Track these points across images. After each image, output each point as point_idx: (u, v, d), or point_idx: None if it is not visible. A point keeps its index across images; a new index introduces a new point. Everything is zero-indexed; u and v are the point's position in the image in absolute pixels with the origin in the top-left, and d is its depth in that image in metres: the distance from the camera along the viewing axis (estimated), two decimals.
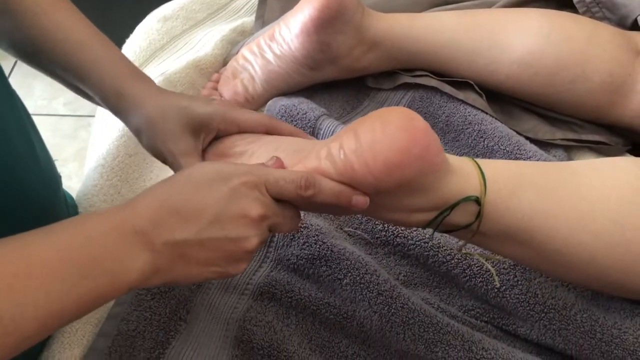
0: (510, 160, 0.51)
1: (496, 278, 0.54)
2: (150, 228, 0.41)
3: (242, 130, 0.57)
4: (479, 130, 0.70)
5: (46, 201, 0.56)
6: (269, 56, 0.75)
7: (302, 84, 0.76)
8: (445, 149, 0.72)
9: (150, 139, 0.55)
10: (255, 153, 0.54)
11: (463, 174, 0.48)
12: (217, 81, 0.79)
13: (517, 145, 0.68)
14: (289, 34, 0.74)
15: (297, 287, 0.58)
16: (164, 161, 0.56)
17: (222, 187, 0.43)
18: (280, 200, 0.46)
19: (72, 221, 0.41)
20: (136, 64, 0.80)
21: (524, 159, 0.66)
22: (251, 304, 0.57)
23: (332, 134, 0.69)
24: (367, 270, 0.56)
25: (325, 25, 0.71)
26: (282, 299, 0.57)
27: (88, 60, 0.55)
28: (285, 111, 0.72)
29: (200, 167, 0.45)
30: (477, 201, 0.47)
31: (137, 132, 0.56)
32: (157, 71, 0.78)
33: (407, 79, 0.76)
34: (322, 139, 0.70)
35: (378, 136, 0.45)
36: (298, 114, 0.71)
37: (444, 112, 0.73)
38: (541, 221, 0.47)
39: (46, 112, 1.63)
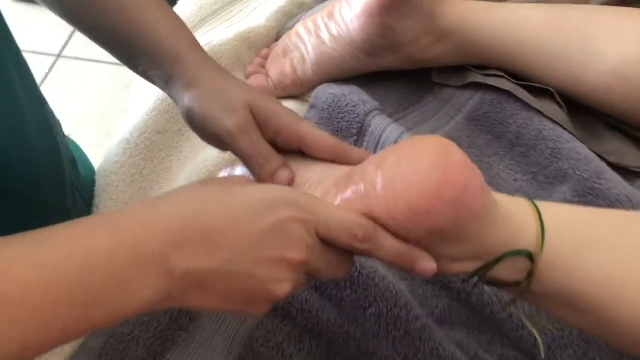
0: (579, 207, 0.42)
1: (542, 348, 0.45)
2: (170, 252, 0.33)
3: (304, 147, 0.47)
4: (554, 149, 0.60)
5: (44, 156, 0.50)
6: (325, 36, 0.67)
7: (356, 70, 0.68)
8: (511, 164, 0.63)
9: (204, 111, 0.46)
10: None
11: (516, 220, 0.39)
12: (266, 58, 0.72)
13: (596, 172, 0.57)
14: (349, 13, 0.65)
15: (316, 307, 0.51)
16: (217, 143, 0.47)
17: (265, 217, 0.36)
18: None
19: (69, 229, 0.33)
20: None
21: (602, 189, 0.56)
22: (262, 320, 0.51)
23: (381, 134, 0.61)
24: (397, 302, 0.49)
25: (392, 7, 0.63)
26: (297, 319, 0.51)
27: (146, 20, 0.48)
28: (333, 100, 0.64)
29: (242, 185, 0.38)
30: (530, 257, 0.38)
31: (189, 103, 0.47)
32: (203, 40, 0.71)
33: (478, 77, 0.66)
34: (370, 138, 0.62)
35: (403, 173, 0.37)
36: (347, 105, 0.63)
37: (515, 122, 0.63)
38: (609, 288, 0.38)
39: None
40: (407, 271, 0.40)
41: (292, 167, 0.46)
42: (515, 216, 0.39)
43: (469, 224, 0.37)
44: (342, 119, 0.63)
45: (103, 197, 0.57)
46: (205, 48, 0.68)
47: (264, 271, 0.36)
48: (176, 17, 0.51)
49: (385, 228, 0.38)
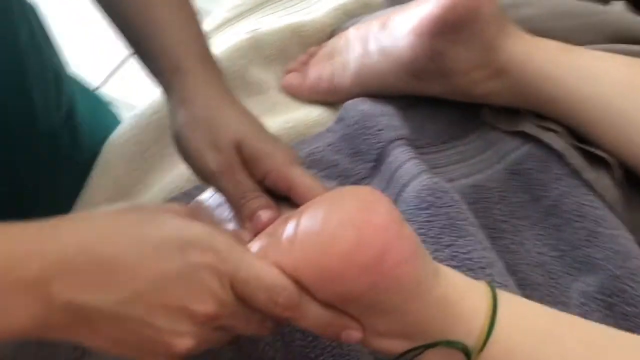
0: (551, 310, 0.35)
1: None
2: (54, 279, 0.30)
3: (292, 195, 0.42)
4: (591, 231, 0.51)
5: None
6: (372, 46, 0.61)
7: (398, 90, 0.61)
8: (540, 235, 0.54)
9: (190, 141, 0.42)
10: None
11: (462, 304, 0.33)
12: (313, 56, 0.67)
13: (632, 272, 0.48)
14: (402, 27, 0.59)
15: (265, 341, 0.47)
16: (199, 176, 0.43)
17: (174, 258, 0.32)
18: None
19: None
20: (238, 10, 0.71)
21: (634, 295, 0.47)
22: None
23: (397, 169, 0.54)
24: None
25: (446, 30, 0.55)
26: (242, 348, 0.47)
27: (157, 20, 0.45)
28: (361, 118, 0.58)
29: (165, 218, 0.34)
30: (466, 352, 0.32)
31: (178, 126, 0.43)
32: (250, 26, 0.68)
33: (531, 129, 0.57)
34: (385, 170, 0.55)
35: (316, 228, 0.32)
36: (373, 127, 0.57)
37: (557, 188, 0.54)
38: None
39: None
40: (333, 340, 0.35)
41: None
42: (463, 299, 0.33)
43: (393, 296, 0.32)
44: (364, 140, 0.57)
45: (97, 169, 0.56)
46: (249, 35, 0.66)
47: (161, 320, 0.32)
48: (192, 22, 0.46)
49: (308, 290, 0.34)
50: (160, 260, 0.32)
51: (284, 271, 0.33)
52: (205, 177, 0.42)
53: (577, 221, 0.52)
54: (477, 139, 0.61)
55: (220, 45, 0.66)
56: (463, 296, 0.33)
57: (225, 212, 0.46)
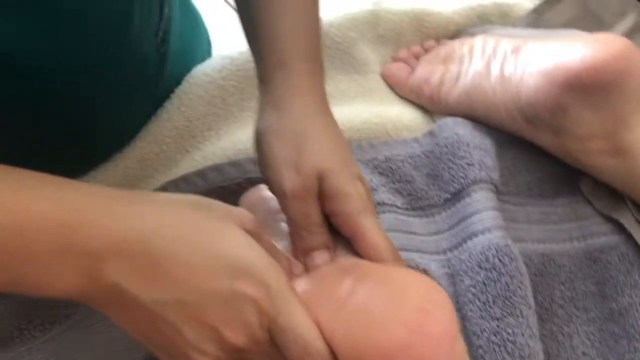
0: None
1: None
2: (109, 258, 0.30)
3: (355, 244, 0.39)
4: None
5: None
6: (494, 69, 0.55)
7: (503, 125, 0.56)
8: (593, 336, 0.50)
9: (271, 152, 0.39)
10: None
11: None
12: (427, 51, 0.61)
13: None
14: (534, 63, 0.52)
15: None
16: (268, 185, 0.41)
17: (224, 280, 0.31)
18: None
19: (31, 189, 0.30)
20: None
21: None
22: None
23: (470, 215, 0.50)
24: None
25: (581, 88, 0.49)
26: None
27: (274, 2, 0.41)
28: (453, 143, 0.53)
29: (224, 227, 0.32)
30: None
31: (264, 129, 0.40)
32: None
33: (630, 223, 0.52)
34: (458, 210, 0.51)
35: (370, 310, 0.31)
36: (462, 158, 0.53)
37: (631, 297, 0.50)
38: None
39: None
40: None
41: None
42: None
43: None
44: (448, 168, 0.53)
45: (173, 102, 0.54)
46: (370, 7, 0.60)
47: (191, 334, 0.31)
48: (311, 6, 0.42)
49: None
50: (211, 278, 0.31)
51: (322, 333, 0.31)
52: (274, 190, 0.40)
53: (638, 341, 0.48)
54: (566, 206, 0.56)
55: (335, 5, 0.60)
56: None
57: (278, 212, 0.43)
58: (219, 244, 0.32)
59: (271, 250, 0.35)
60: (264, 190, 0.44)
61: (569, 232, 0.55)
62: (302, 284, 0.35)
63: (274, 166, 0.38)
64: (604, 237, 0.53)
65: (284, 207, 0.39)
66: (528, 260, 0.51)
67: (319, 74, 0.42)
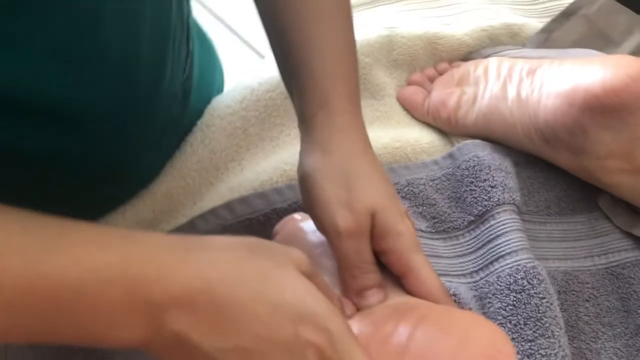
0: None
1: None
2: (171, 308, 0.30)
3: (405, 281, 0.40)
4: None
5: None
6: (511, 91, 0.56)
7: (521, 146, 0.57)
8: (620, 351, 0.51)
9: (321, 190, 0.39)
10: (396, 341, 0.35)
11: None
12: (441, 73, 0.62)
13: None
14: (551, 84, 0.54)
15: None
16: (317, 225, 0.40)
17: (287, 327, 0.31)
18: None
19: (84, 242, 0.30)
20: None
21: None
22: None
23: (497, 236, 0.51)
24: None
25: (601, 111, 0.50)
26: None
27: (313, 41, 0.41)
28: (473, 166, 0.54)
29: (284, 272, 0.33)
30: None
31: (310, 169, 0.40)
32: (385, 20, 0.62)
33: None
34: (483, 233, 0.52)
35: (435, 358, 0.31)
36: (485, 180, 0.53)
37: None
38: None
39: None
40: None
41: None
42: None
43: None
44: (470, 191, 0.54)
45: (196, 136, 0.54)
46: (385, 32, 0.61)
47: None
48: (350, 49, 0.42)
49: None
50: (273, 325, 0.31)
51: None
52: (325, 229, 0.40)
53: None
54: (585, 223, 0.57)
55: None
56: None
57: (319, 245, 0.43)
58: (281, 290, 0.32)
59: (326, 291, 0.35)
60: (300, 222, 0.45)
61: (589, 249, 0.56)
62: (358, 326, 0.35)
63: (325, 205, 0.39)
64: (624, 253, 0.54)
65: (336, 246, 0.39)
66: (551, 278, 0.52)
67: (360, 114, 0.42)
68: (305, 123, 0.41)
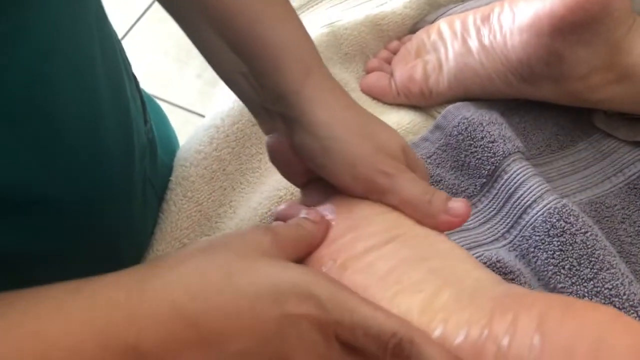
0: None
1: None
2: (147, 339, 0.28)
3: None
4: None
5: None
6: (473, 44, 0.54)
7: (502, 94, 0.55)
8: None
9: (349, 148, 0.37)
10: (377, 265, 0.34)
11: None
12: (395, 52, 0.60)
13: None
14: (511, 23, 0.52)
15: None
16: (356, 184, 0.38)
17: (271, 311, 0.29)
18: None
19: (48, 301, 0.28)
20: None
21: None
22: None
23: (518, 186, 0.49)
24: None
25: (570, 30, 0.49)
26: None
27: (269, 43, 0.38)
28: (466, 128, 0.52)
29: (248, 263, 0.30)
30: None
31: (323, 134, 0.37)
32: (325, 18, 0.60)
33: None
34: (503, 188, 0.50)
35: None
36: (483, 139, 0.51)
37: None
38: None
39: None
40: None
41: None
42: None
43: None
44: (472, 153, 0.51)
45: (176, 192, 0.49)
46: (326, 29, 0.58)
47: None
48: (297, 16, 0.40)
49: None
50: (259, 315, 0.29)
51: None
52: (374, 184, 0.37)
53: None
54: (589, 148, 0.55)
55: None
56: None
57: None
58: (250, 281, 0.29)
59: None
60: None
61: (603, 172, 0.54)
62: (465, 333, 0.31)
63: (361, 157, 0.37)
64: (638, 164, 0.53)
65: (392, 192, 0.37)
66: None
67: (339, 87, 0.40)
68: (292, 95, 0.37)
